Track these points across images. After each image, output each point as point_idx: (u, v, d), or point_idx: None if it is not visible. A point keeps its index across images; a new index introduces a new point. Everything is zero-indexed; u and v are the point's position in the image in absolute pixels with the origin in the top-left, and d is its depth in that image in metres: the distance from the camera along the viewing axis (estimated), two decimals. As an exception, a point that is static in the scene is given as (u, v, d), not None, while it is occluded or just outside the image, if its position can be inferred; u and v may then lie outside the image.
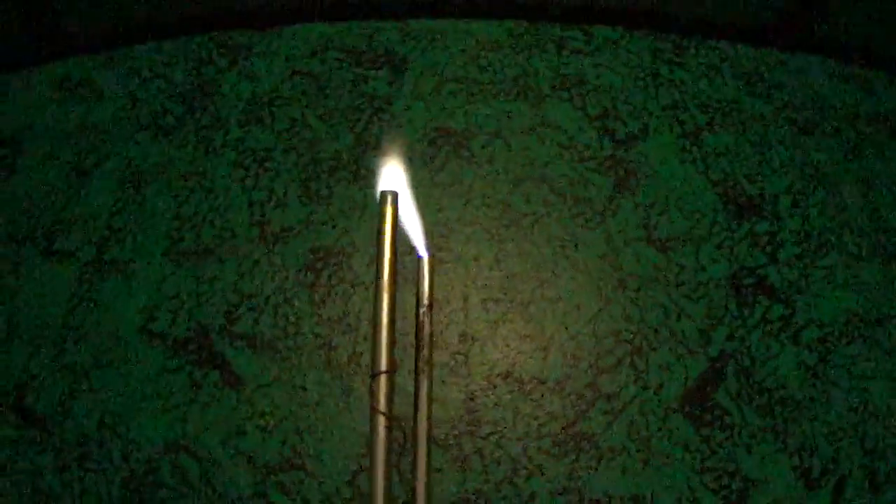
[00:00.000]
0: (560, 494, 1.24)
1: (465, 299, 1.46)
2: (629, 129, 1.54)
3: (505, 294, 1.43)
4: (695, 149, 1.57)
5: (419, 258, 0.84)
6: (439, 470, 1.32)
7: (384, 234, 0.71)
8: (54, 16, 1.95)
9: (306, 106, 1.73)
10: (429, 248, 0.88)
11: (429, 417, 0.77)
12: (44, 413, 1.60)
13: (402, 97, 1.67)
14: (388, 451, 0.57)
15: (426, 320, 0.82)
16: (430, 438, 0.73)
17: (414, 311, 1.48)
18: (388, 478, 0.55)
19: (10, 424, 1.62)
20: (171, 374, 1.52)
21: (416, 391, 0.77)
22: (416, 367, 0.76)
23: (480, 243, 1.49)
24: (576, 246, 1.43)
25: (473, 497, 1.28)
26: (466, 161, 1.56)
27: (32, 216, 1.85)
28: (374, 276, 1.51)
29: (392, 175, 0.75)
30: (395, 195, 0.69)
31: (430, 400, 0.76)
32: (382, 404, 0.62)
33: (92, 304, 1.64)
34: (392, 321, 0.67)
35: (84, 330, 1.63)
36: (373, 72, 1.72)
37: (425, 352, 0.81)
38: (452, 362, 1.41)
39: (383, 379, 0.64)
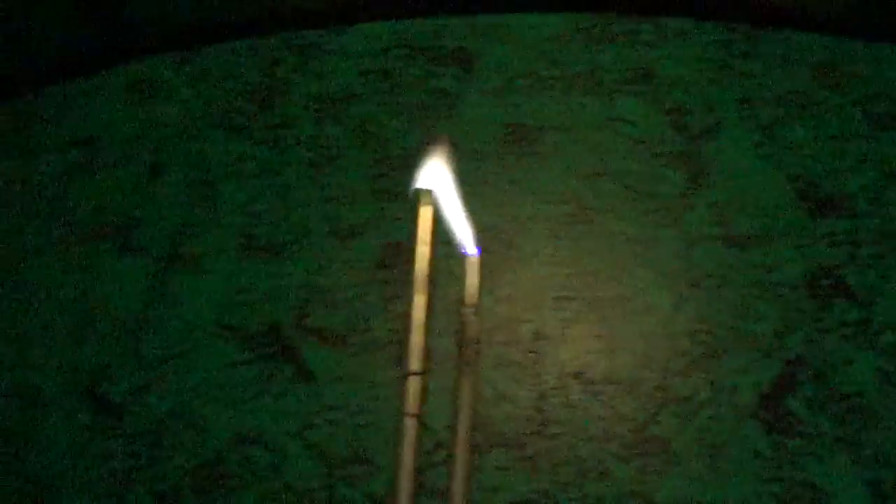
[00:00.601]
0: (627, 498, 1.24)
1: (539, 297, 1.45)
2: (702, 123, 1.52)
3: (578, 292, 1.43)
4: (770, 143, 1.54)
5: (467, 255, 0.83)
6: (506, 469, 1.32)
7: (420, 233, 0.70)
8: (124, 18, 1.98)
9: (376, 103, 1.73)
10: (479, 245, 0.86)
11: (469, 423, 0.76)
12: (117, 401, 1.64)
13: (472, 93, 1.66)
14: (416, 457, 0.56)
15: (471, 321, 0.81)
16: (469, 444, 0.73)
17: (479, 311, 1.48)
18: (412, 486, 0.55)
19: (85, 410, 1.67)
20: (243, 367, 1.55)
21: (458, 396, 0.77)
22: (459, 369, 0.76)
23: (554, 240, 1.48)
24: (649, 243, 1.42)
25: (541, 498, 1.29)
26: (538, 157, 1.56)
27: (107, 214, 1.89)
28: (442, 274, 1.51)
29: (440, 172, 0.74)
30: (431, 193, 0.68)
31: (472, 405, 0.76)
32: (412, 406, 0.62)
33: (166, 299, 1.68)
34: (426, 322, 0.67)
35: (158, 324, 1.66)
36: (442, 68, 1.72)
37: (468, 353, 0.80)
38: (525, 360, 1.41)
39: (415, 380, 0.63)
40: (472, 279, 0.85)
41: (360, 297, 1.55)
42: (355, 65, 1.80)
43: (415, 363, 0.68)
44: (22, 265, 1.98)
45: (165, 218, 1.80)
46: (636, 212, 1.46)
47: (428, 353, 1.68)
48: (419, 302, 0.69)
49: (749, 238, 1.43)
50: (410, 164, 1.64)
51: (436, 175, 0.76)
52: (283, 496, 1.43)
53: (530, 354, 1.42)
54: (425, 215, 0.71)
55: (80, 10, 1.97)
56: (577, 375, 1.37)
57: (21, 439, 1.71)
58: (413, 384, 0.66)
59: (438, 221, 1.62)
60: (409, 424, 0.63)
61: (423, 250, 0.70)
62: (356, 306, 1.54)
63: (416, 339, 0.67)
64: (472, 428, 0.75)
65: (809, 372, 1.32)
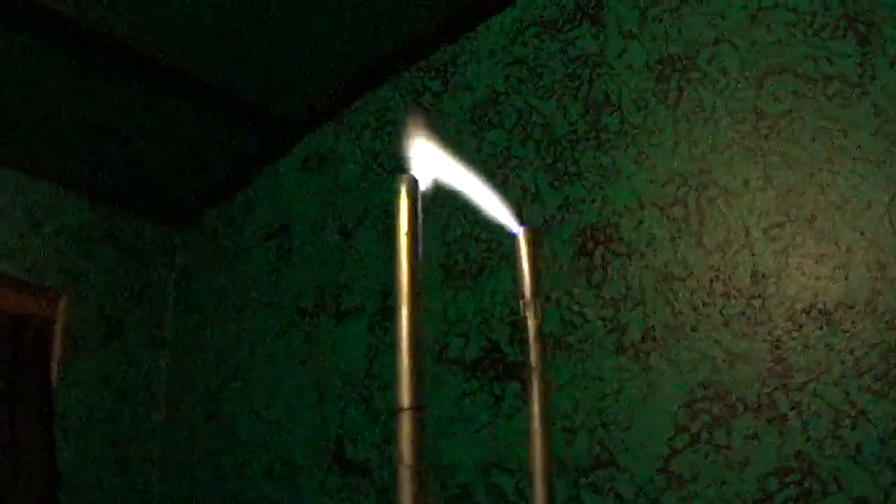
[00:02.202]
0: (891, 439, 1.00)
1: (746, 233, 1.26)
2: (851, -26, 1.22)
3: (786, 214, 1.21)
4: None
5: (512, 234, 0.70)
6: (754, 437, 1.14)
7: (400, 231, 0.54)
8: (279, 108, 2.10)
9: (527, 92, 1.64)
10: (520, 220, 0.73)
11: (544, 439, 0.62)
12: (362, 459, 1.70)
13: (612, 42, 1.51)
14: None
15: (530, 313, 0.67)
16: (547, 470, 0.59)
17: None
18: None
19: (335, 475, 1.75)
20: (473, 396, 1.53)
21: (529, 408, 0.64)
22: (528, 372, 0.62)
23: (744, 164, 1.28)
24: (844, 130, 1.16)
25: (795, 462, 1.09)
26: (700, 82, 1.36)
27: (316, 286, 2.01)
28: (645, 243, 1.37)
29: (432, 157, 0.59)
30: (412, 180, 0.53)
31: (546, 419, 0.63)
32: (405, 452, 0.48)
33: (387, 350, 1.72)
34: (415, 343, 0.51)
35: (385, 376, 1.71)
36: (573, 32, 1.59)
37: (532, 356, 0.66)
38: (749, 309, 1.22)
39: (406, 417, 0.50)
40: (525, 261, 0.69)
41: (568, 292, 1.46)
42: (493, 64, 1.73)
43: (405, 396, 0.48)
44: (255, 353, 2.17)
45: (368, 274, 1.86)
46: (819, 101, 1.21)
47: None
48: (404, 316, 0.52)
49: (983, 75, 1.11)
50: (579, 139, 1.52)
51: (426, 161, 0.62)
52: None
53: (754, 301, 1.22)
54: (404, 209, 0.55)
55: (241, 120, 2.14)
56: (809, 310, 1.15)
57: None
58: (405, 423, 0.46)
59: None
60: (404, 476, 0.45)
61: (403, 253, 0.54)
62: (566, 302, 1.45)
63: (405, 364, 0.50)
64: (546, 445, 0.61)
65: None
